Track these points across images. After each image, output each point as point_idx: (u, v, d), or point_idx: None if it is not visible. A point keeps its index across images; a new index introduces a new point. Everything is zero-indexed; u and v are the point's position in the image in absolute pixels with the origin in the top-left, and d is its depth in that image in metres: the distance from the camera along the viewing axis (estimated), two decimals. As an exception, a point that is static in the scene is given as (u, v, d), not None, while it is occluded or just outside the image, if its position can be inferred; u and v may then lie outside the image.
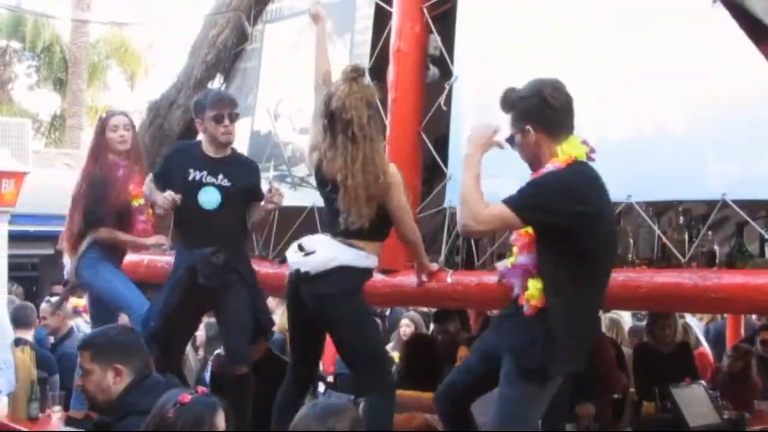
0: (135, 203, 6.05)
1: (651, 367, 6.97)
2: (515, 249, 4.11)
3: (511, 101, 4.06)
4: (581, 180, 3.91)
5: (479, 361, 4.33)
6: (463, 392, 4.38)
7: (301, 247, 4.66)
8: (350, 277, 4.59)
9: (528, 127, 3.98)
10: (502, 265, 4.27)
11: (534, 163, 4.04)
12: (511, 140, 4.07)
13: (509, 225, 3.97)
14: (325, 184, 4.72)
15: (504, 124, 4.12)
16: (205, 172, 5.39)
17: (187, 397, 3.43)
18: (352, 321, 4.63)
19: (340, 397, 6.19)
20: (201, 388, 3.66)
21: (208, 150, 5.46)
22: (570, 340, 3.92)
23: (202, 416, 3.41)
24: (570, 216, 3.80)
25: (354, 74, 4.63)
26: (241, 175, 5.49)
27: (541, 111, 3.98)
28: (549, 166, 3.93)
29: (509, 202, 3.84)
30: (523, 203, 3.85)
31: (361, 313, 4.71)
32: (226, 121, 5.41)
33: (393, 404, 4.71)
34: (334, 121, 4.59)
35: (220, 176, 5.40)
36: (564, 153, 3.94)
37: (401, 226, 4.72)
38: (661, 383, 6.23)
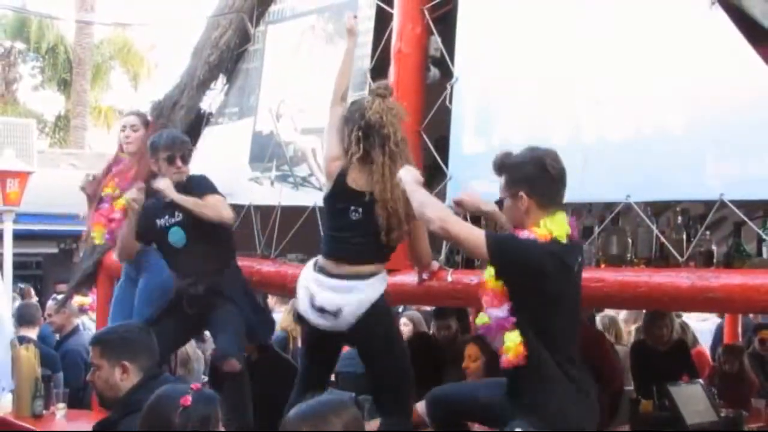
0: (107, 191, 6.15)
1: (648, 365, 6.98)
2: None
3: (508, 165, 4.05)
4: (555, 262, 3.89)
5: (482, 397, 4.32)
6: (460, 409, 4.41)
7: (321, 309, 4.61)
8: (382, 305, 4.68)
9: (522, 193, 3.97)
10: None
11: (517, 227, 4.04)
12: (500, 203, 4.10)
13: (473, 245, 3.98)
14: (346, 196, 4.69)
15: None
16: (166, 216, 5.53)
17: (188, 399, 3.38)
18: (387, 341, 4.75)
19: (341, 395, 6.20)
20: (196, 384, 3.64)
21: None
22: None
23: (208, 415, 3.39)
24: (533, 283, 3.87)
25: (386, 91, 4.76)
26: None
27: (539, 179, 3.99)
28: (528, 233, 3.92)
29: (486, 234, 3.94)
30: (497, 240, 3.93)
31: (395, 332, 4.90)
32: (179, 162, 5.52)
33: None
34: (370, 134, 4.62)
35: (176, 213, 5.50)
36: (546, 228, 3.93)
37: (420, 245, 4.84)
38: (659, 381, 6.24)
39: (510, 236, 4.01)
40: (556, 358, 3.92)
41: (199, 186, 5.53)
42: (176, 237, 5.50)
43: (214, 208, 5.42)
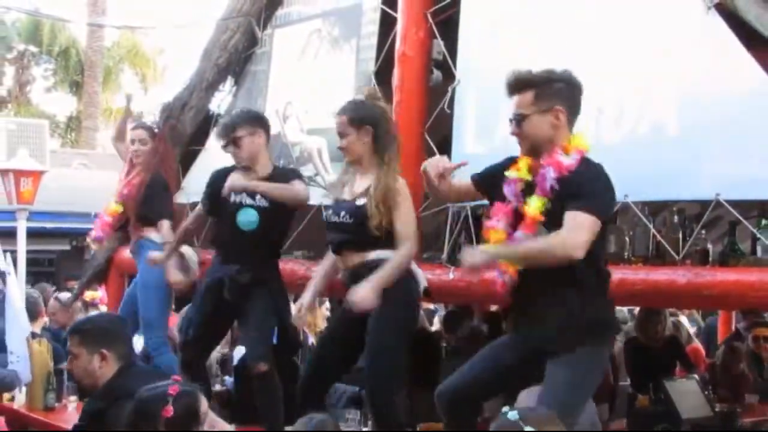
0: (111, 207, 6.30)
1: (642, 361, 6.99)
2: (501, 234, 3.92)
3: (537, 80, 3.88)
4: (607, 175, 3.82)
5: (489, 369, 4.11)
6: (470, 397, 4.16)
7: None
8: None
9: (558, 107, 3.83)
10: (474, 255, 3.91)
11: (538, 146, 3.85)
12: (519, 119, 3.87)
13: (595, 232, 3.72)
14: None
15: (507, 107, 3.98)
16: (244, 194, 5.29)
17: (176, 389, 3.39)
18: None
19: (347, 389, 6.21)
20: (175, 377, 3.65)
21: (244, 173, 5.35)
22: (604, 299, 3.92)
23: (194, 406, 3.39)
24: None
25: (378, 95, 4.86)
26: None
27: (572, 94, 3.89)
28: (575, 155, 3.79)
29: (593, 211, 3.65)
30: (606, 208, 3.76)
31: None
32: (231, 148, 5.33)
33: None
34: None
35: (257, 196, 5.27)
36: (579, 142, 3.84)
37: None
38: (654, 376, 6.25)
39: (597, 189, 3.73)
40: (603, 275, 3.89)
41: (284, 176, 5.36)
42: (247, 218, 5.27)
43: (290, 189, 5.24)
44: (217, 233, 5.59)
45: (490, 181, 4.12)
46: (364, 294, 4.43)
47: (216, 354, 7.81)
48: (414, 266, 4.73)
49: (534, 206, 3.80)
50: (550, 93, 3.87)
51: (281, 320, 5.32)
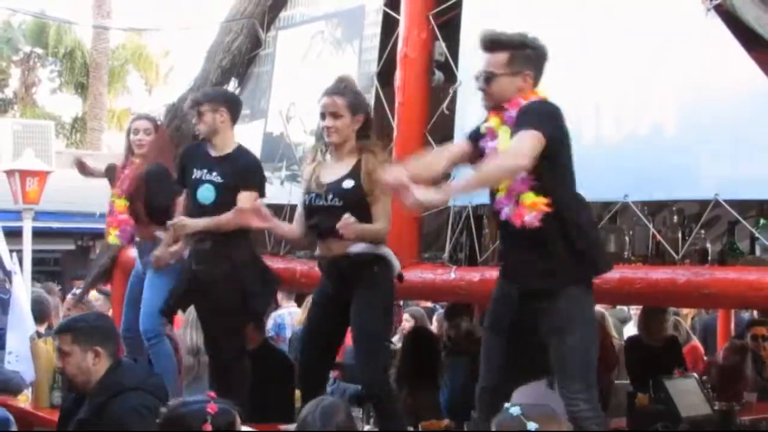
0: (112, 199, 6.22)
1: (643, 360, 6.98)
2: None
3: (511, 43, 4.03)
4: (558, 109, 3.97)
5: (504, 340, 4.15)
6: (507, 379, 4.18)
7: None
8: None
9: (528, 72, 4.00)
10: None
11: (497, 105, 4.02)
12: (489, 77, 4.01)
13: (535, 151, 3.82)
14: None
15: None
16: (204, 170, 5.38)
17: (214, 407, 3.36)
18: None
19: (347, 387, 6.22)
20: (211, 393, 3.64)
21: (210, 149, 5.44)
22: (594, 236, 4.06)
23: (233, 424, 3.38)
24: (564, 134, 3.94)
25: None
26: (234, 172, 5.35)
27: (540, 62, 4.05)
28: (533, 98, 3.98)
29: (533, 127, 3.80)
30: (548, 127, 3.84)
31: None
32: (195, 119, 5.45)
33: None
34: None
35: (215, 173, 5.34)
36: (538, 92, 4.02)
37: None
38: (654, 375, 6.24)
39: (544, 109, 3.95)
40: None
41: (245, 177, 5.36)
42: (205, 193, 5.33)
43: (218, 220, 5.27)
44: (185, 208, 5.57)
45: (476, 136, 4.21)
46: (349, 225, 4.49)
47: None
48: (389, 251, 4.77)
49: (503, 139, 3.96)
50: (523, 57, 4.02)
51: (248, 290, 5.31)
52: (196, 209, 5.35)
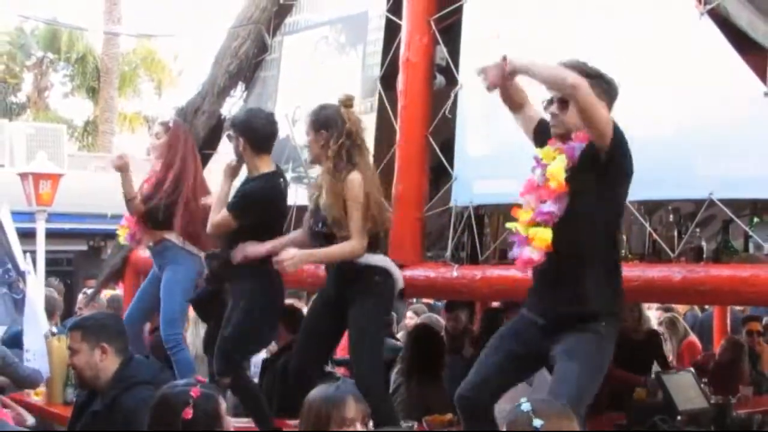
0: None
1: (622, 353, 6.96)
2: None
3: (590, 72, 3.93)
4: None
5: (504, 359, 4.09)
6: (489, 393, 4.11)
7: None
8: None
9: (605, 105, 3.90)
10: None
11: (570, 133, 3.93)
12: (564, 103, 3.91)
13: (603, 119, 3.82)
14: None
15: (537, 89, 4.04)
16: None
17: (198, 391, 3.40)
18: None
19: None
20: (199, 377, 3.67)
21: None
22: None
23: (215, 410, 3.40)
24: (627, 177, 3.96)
25: (351, 102, 4.94)
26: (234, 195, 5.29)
27: (612, 98, 4.00)
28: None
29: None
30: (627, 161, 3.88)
31: None
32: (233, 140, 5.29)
33: None
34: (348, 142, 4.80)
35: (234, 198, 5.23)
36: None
37: None
38: (633, 369, 6.29)
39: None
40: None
41: (233, 199, 5.22)
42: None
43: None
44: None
45: (540, 129, 4.18)
46: (292, 256, 4.58)
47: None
48: (394, 267, 4.84)
49: (557, 167, 3.86)
50: (599, 89, 3.91)
51: (253, 320, 5.14)
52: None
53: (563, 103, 3.91)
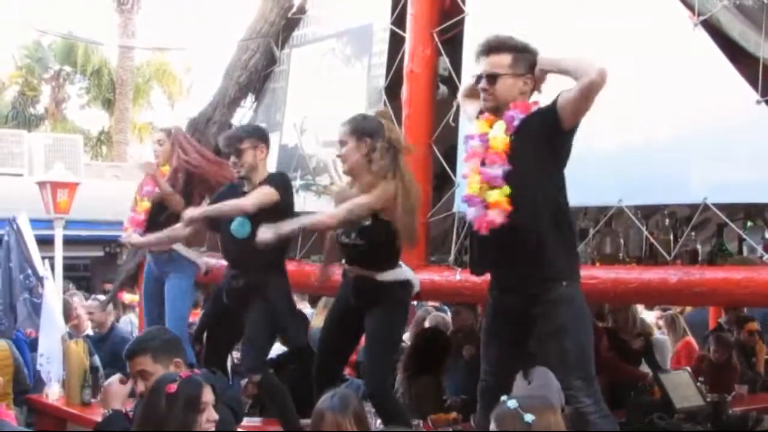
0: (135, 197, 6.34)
1: (616, 352, 6.94)
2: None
3: (516, 45, 3.91)
4: None
5: (499, 348, 4.06)
6: (501, 382, 4.01)
7: None
8: None
9: (530, 76, 3.88)
10: None
11: (502, 108, 3.87)
12: (493, 76, 3.87)
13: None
14: None
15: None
16: None
17: (186, 374, 3.45)
18: None
19: (360, 384, 6.21)
20: (185, 372, 3.64)
21: (247, 186, 5.21)
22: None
23: (195, 392, 3.36)
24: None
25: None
26: None
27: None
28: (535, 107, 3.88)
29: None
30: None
31: None
32: (233, 158, 5.16)
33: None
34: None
35: None
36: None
37: None
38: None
39: None
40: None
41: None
42: (239, 227, 5.04)
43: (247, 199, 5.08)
44: (220, 242, 5.51)
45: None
46: (266, 231, 4.44)
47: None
48: (412, 275, 4.77)
49: (498, 132, 3.83)
50: (526, 60, 3.89)
51: (280, 326, 5.19)
52: (233, 244, 5.16)
53: (492, 78, 3.87)
